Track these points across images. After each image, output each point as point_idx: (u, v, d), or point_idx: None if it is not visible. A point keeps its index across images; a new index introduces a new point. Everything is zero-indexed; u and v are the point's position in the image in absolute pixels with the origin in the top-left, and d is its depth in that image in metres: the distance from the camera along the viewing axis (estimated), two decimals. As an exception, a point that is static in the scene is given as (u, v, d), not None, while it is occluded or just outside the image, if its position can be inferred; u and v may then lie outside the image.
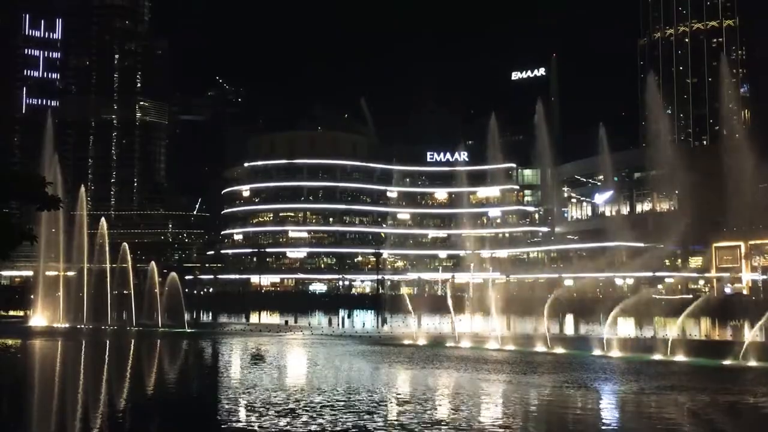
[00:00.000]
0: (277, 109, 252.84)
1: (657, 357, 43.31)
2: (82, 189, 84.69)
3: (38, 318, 72.84)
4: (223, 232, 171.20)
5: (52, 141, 79.78)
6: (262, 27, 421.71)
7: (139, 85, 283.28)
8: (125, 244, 79.40)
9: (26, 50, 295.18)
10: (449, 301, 65.84)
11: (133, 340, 59.95)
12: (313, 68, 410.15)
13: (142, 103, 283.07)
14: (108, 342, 58.17)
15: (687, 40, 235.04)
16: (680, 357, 42.54)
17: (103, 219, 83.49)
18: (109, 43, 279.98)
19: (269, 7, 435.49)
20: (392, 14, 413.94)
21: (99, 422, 25.01)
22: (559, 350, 47.39)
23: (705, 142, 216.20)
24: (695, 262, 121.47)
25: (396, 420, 24.69)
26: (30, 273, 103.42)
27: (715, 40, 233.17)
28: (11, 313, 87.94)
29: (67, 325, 70.17)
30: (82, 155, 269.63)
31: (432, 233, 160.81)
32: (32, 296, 77.60)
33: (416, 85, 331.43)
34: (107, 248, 78.47)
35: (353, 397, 28.42)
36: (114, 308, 75.86)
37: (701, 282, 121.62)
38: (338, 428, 22.71)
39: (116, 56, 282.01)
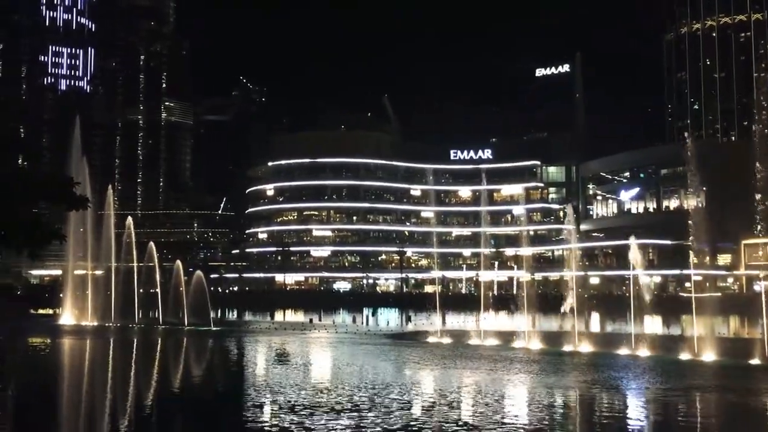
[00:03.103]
0: (300, 105, 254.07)
1: (684, 356, 42.78)
2: (110, 189, 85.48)
3: (67, 316, 73.79)
4: (247, 231, 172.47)
5: (80, 142, 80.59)
6: (280, 25, 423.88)
7: (164, 85, 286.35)
8: (152, 243, 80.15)
9: (54, 52, 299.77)
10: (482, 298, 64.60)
11: (160, 338, 60.55)
12: (323, 66, 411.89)
13: (167, 103, 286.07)
14: (135, 340, 58.83)
15: (714, 34, 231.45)
16: (708, 356, 41.98)
17: (129, 218, 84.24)
18: (135, 45, 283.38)
19: (280, 5, 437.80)
20: (392, 15, 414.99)
21: (127, 418, 25.34)
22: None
23: (733, 138, 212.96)
24: (724, 259, 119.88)
25: (422, 419, 24.65)
26: (59, 272, 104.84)
27: (743, 34, 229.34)
28: (41, 311, 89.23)
29: (95, 323, 71.03)
30: (109, 156, 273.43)
31: (456, 231, 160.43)
32: (61, 295, 78.59)
33: (443, 81, 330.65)
34: (134, 247, 79.32)
35: (377, 396, 28.45)
36: (141, 306, 76.66)
37: (730, 280, 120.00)
38: (364, 427, 22.74)
39: (142, 57, 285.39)
